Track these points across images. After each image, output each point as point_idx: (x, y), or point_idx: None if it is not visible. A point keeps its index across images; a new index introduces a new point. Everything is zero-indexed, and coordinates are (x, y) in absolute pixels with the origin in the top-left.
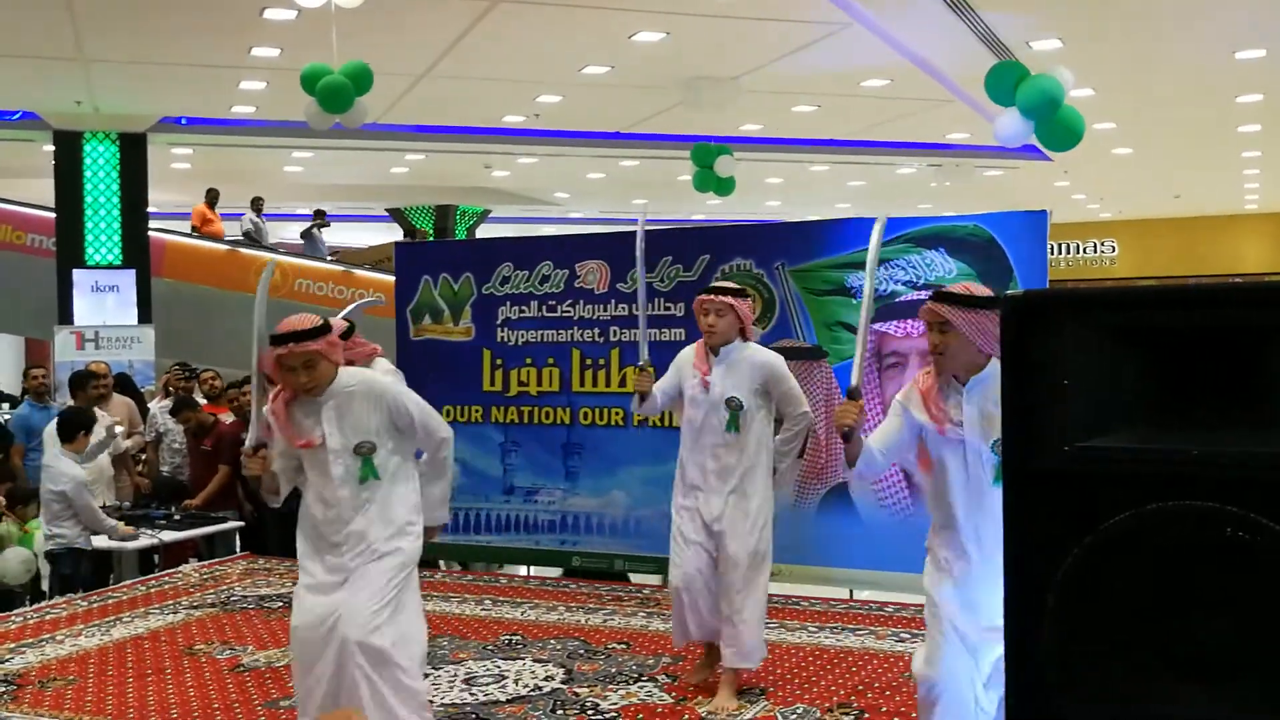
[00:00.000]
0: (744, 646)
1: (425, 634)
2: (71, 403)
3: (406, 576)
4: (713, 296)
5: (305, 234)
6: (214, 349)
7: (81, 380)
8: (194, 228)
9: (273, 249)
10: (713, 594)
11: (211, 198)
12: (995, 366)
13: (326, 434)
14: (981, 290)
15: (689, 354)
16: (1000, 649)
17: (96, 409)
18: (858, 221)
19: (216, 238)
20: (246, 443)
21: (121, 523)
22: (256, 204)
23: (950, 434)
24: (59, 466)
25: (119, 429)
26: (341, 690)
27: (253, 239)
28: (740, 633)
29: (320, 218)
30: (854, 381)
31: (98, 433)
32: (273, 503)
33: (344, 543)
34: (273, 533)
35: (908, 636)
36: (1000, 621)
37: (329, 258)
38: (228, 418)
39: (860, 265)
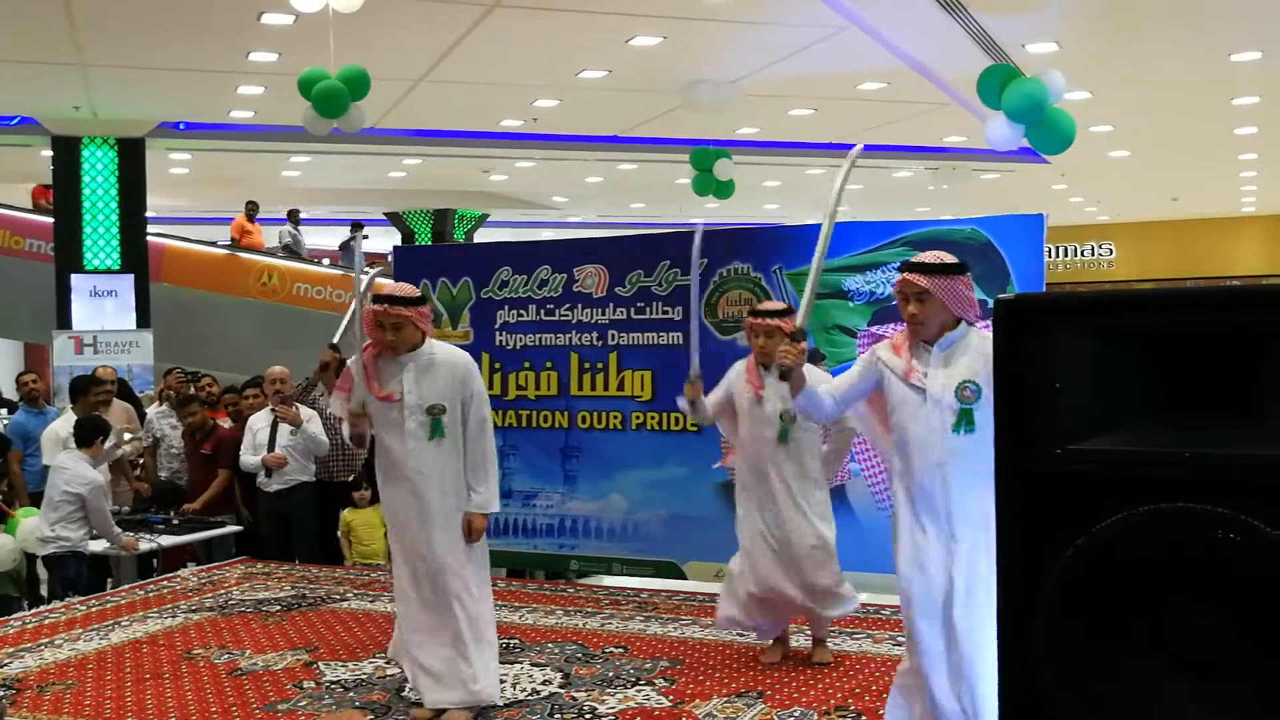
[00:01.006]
0: (836, 602)
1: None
2: (71, 408)
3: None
4: (762, 320)
5: (344, 246)
6: (212, 354)
7: (84, 386)
8: (233, 239)
9: (312, 260)
10: (781, 589)
11: (251, 210)
12: (963, 329)
13: (405, 391)
14: (949, 257)
15: (740, 368)
16: (965, 563)
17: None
18: (855, 225)
19: (256, 249)
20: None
21: (127, 535)
22: (293, 216)
23: (914, 380)
24: (77, 469)
25: (127, 435)
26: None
27: (292, 251)
28: (827, 599)
29: (359, 229)
30: (799, 323)
31: (110, 439)
32: (359, 445)
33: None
34: (270, 537)
35: (884, 638)
36: (962, 528)
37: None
38: (225, 423)
39: (859, 269)
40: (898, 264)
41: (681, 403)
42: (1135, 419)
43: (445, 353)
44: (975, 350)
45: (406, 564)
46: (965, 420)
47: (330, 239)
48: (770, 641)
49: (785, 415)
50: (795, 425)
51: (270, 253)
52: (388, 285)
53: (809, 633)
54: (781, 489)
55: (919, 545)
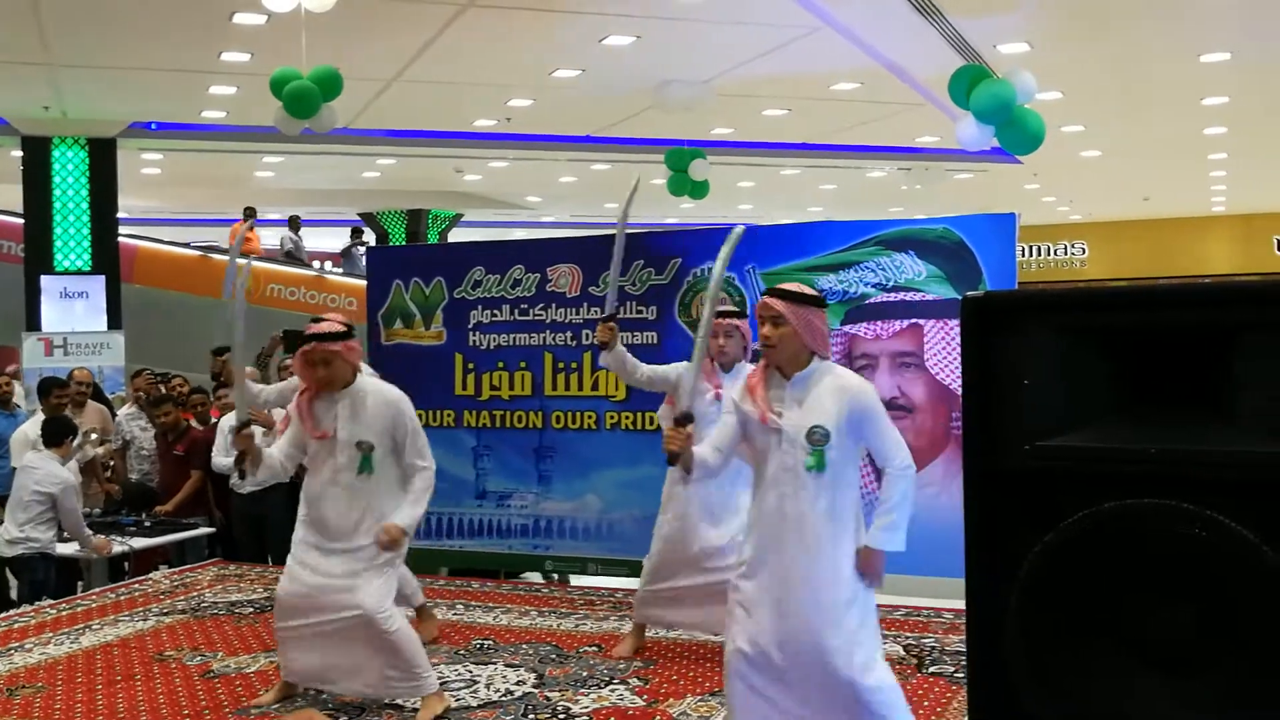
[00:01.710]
0: None
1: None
2: (40, 409)
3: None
4: (723, 320)
5: (345, 252)
6: (184, 355)
7: (48, 387)
8: (248, 212)
9: (310, 265)
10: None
11: (248, 216)
12: (818, 365)
13: (338, 427)
14: (810, 290)
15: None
16: (824, 630)
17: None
18: (828, 225)
19: (253, 255)
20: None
21: (98, 536)
22: (294, 222)
23: (771, 423)
24: (47, 468)
25: (94, 436)
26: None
27: (293, 257)
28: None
29: (359, 234)
30: (684, 406)
31: (77, 438)
32: (249, 474)
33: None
34: (243, 539)
35: (888, 637)
36: (812, 615)
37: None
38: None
39: (832, 268)
40: (871, 263)
41: (604, 357)
42: (1103, 416)
43: (376, 391)
44: (827, 389)
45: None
46: (817, 462)
47: (316, 240)
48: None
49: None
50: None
51: (271, 258)
52: (318, 326)
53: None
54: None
55: (760, 572)
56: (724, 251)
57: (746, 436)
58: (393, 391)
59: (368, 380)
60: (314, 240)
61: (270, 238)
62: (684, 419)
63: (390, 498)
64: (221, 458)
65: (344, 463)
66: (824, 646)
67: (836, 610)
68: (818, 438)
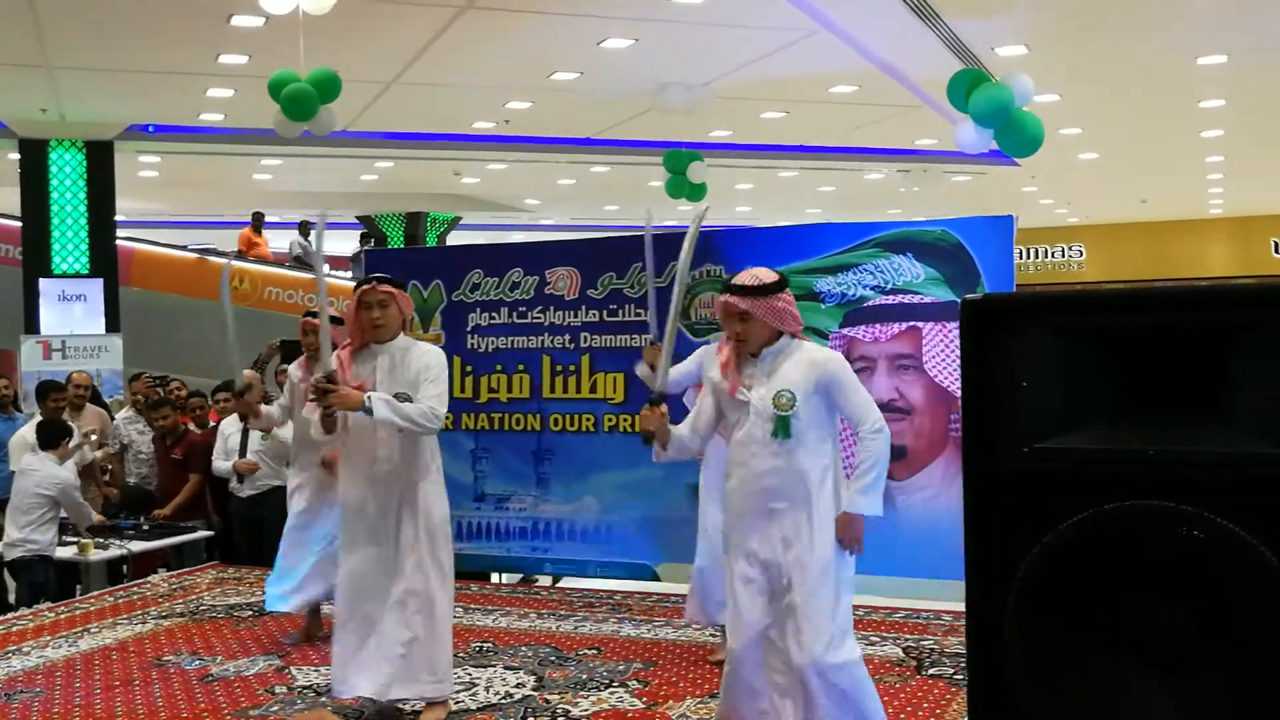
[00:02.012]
0: None
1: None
2: (38, 412)
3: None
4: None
5: (355, 257)
6: (182, 358)
7: (44, 390)
8: (240, 252)
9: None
10: None
11: (257, 221)
12: (787, 342)
13: (377, 381)
14: (769, 276)
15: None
16: (794, 592)
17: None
18: (827, 227)
19: (263, 261)
20: (317, 374)
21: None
22: (304, 228)
23: (740, 395)
24: (46, 470)
25: (93, 438)
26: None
27: (303, 262)
28: None
29: (367, 241)
30: (658, 386)
31: (75, 439)
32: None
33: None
34: (242, 542)
35: (878, 640)
36: (771, 555)
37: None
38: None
39: (830, 270)
40: (870, 266)
41: (640, 368)
42: (1101, 417)
43: (419, 348)
44: (796, 361)
45: (367, 545)
46: (781, 427)
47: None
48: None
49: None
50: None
51: (280, 263)
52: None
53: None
54: None
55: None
56: (691, 230)
57: (721, 413)
58: (435, 350)
59: (410, 339)
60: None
61: (278, 242)
62: (658, 399)
63: (425, 458)
64: (221, 461)
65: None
66: (799, 618)
67: (815, 578)
68: (784, 401)
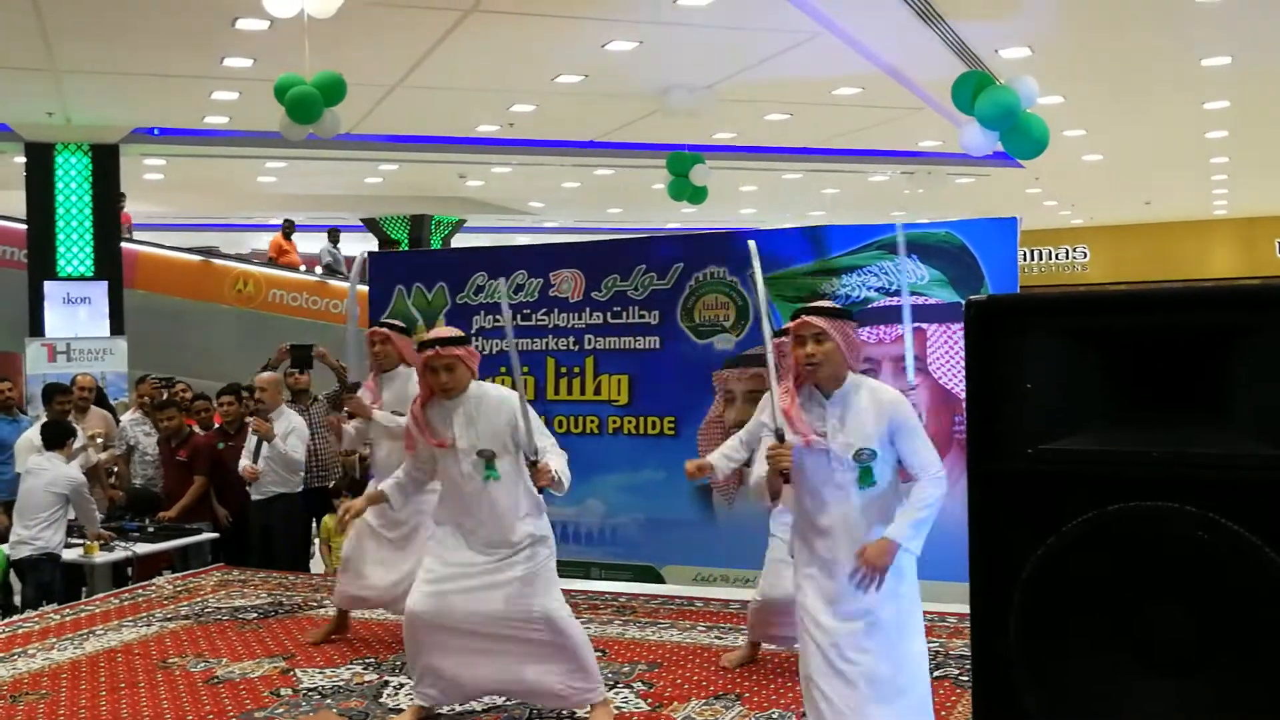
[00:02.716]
0: None
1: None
2: (43, 414)
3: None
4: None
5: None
6: (186, 361)
7: (50, 393)
8: (270, 259)
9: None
10: None
11: (287, 228)
12: (855, 381)
13: (457, 435)
14: (841, 307)
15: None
16: (860, 629)
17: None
18: (831, 229)
19: (293, 268)
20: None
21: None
22: (334, 235)
23: (816, 445)
24: (57, 469)
25: (98, 440)
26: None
27: (333, 270)
28: None
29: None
30: (777, 424)
31: (80, 440)
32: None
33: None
34: (255, 542)
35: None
36: (859, 606)
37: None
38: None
39: (834, 272)
40: (874, 268)
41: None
42: (1104, 419)
43: (494, 394)
44: (866, 404)
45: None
46: (865, 477)
47: (309, 246)
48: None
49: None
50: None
51: (310, 271)
52: (437, 332)
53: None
54: None
55: (823, 590)
56: (756, 266)
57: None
58: (509, 394)
59: (483, 384)
60: (316, 246)
61: (308, 246)
62: (780, 435)
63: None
64: (243, 461)
65: (468, 470)
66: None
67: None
68: (865, 456)
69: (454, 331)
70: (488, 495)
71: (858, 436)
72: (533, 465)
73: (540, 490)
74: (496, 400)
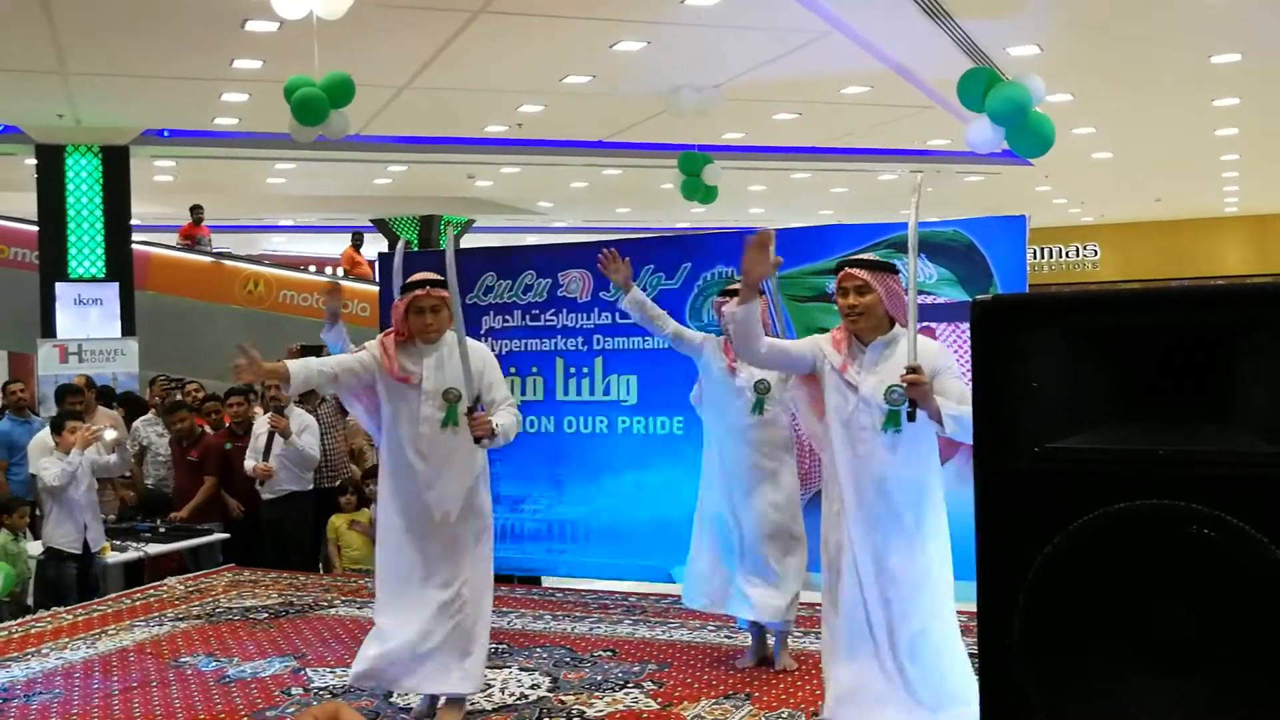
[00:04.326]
0: None
1: None
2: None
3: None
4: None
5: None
6: (198, 362)
7: (60, 394)
8: (345, 271)
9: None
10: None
11: (357, 240)
12: (896, 333)
13: (425, 376)
14: (886, 260)
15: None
16: (911, 617)
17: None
18: (839, 228)
19: (366, 280)
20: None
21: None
22: (357, 239)
23: (849, 377)
24: (41, 466)
25: (108, 435)
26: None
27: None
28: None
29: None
30: (912, 360)
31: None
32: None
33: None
34: (265, 540)
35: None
36: (903, 571)
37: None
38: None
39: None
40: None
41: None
42: (1112, 417)
43: (469, 345)
44: (905, 353)
45: (411, 550)
46: (892, 421)
47: (317, 248)
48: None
49: (760, 386)
50: (769, 396)
51: (287, 265)
52: (423, 275)
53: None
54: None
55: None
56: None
57: (816, 382)
58: (480, 345)
59: (457, 334)
60: (326, 247)
61: (324, 248)
62: (914, 368)
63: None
64: (250, 460)
65: (428, 413)
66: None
67: (923, 586)
68: (895, 397)
69: (437, 276)
70: (444, 443)
71: (891, 377)
72: (471, 412)
73: (476, 440)
74: (470, 349)
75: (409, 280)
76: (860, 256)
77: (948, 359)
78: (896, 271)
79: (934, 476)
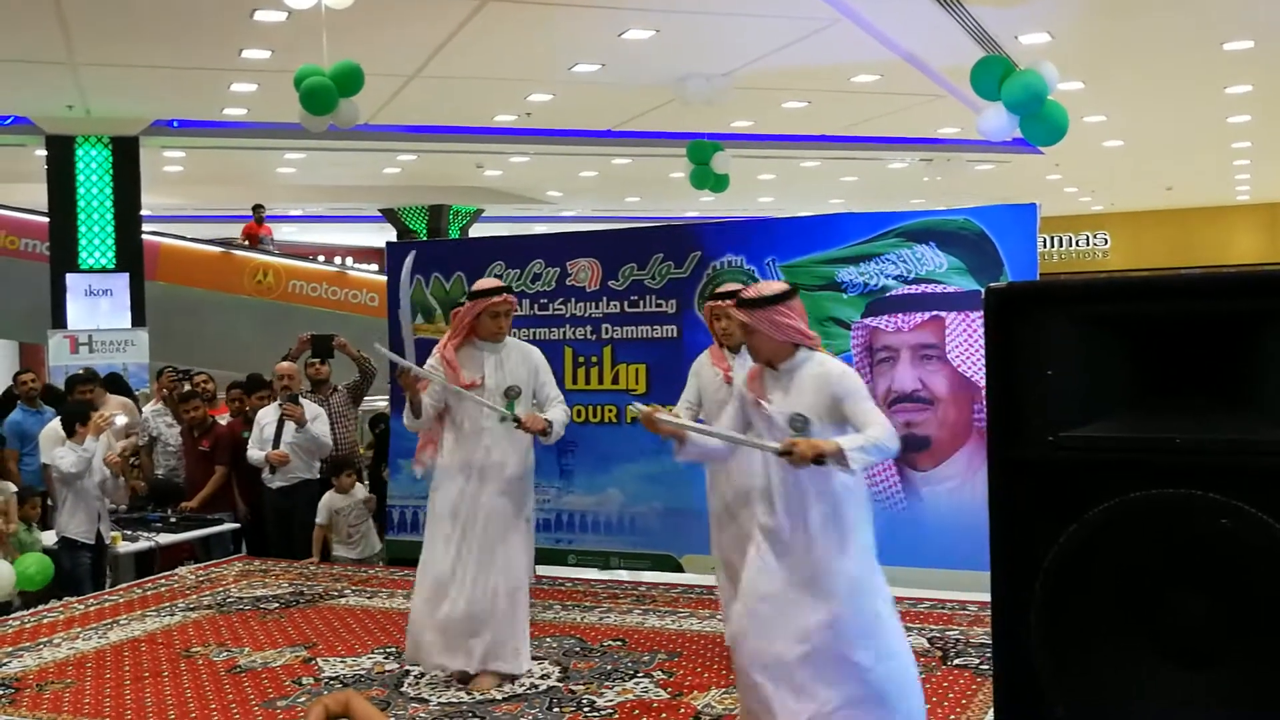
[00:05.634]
0: None
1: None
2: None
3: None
4: (721, 303)
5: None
6: (207, 352)
7: (70, 385)
8: (248, 243)
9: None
10: None
11: (258, 214)
12: (803, 355)
13: (486, 375)
14: (772, 288)
15: (704, 359)
16: (819, 613)
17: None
18: (848, 217)
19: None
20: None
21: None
22: (258, 212)
23: (764, 407)
24: (71, 458)
25: (118, 423)
26: None
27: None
28: None
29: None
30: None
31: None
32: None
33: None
34: (273, 533)
35: (914, 630)
36: (813, 582)
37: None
38: (222, 418)
39: (853, 260)
40: (892, 255)
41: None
42: (1126, 406)
43: (522, 345)
44: (808, 376)
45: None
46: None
47: (329, 236)
48: None
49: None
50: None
51: (291, 254)
52: (488, 282)
53: None
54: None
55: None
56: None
57: (749, 421)
58: (533, 348)
59: (509, 337)
60: (337, 236)
61: (329, 238)
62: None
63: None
64: (255, 451)
65: (488, 410)
66: (837, 638)
67: (839, 597)
68: (798, 424)
69: (499, 282)
70: (505, 435)
71: (793, 403)
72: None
73: (533, 434)
74: (524, 350)
75: (482, 288)
76: (742, 294)
77: (848, 383)
78: (789, 297)
79: (850, 498)
